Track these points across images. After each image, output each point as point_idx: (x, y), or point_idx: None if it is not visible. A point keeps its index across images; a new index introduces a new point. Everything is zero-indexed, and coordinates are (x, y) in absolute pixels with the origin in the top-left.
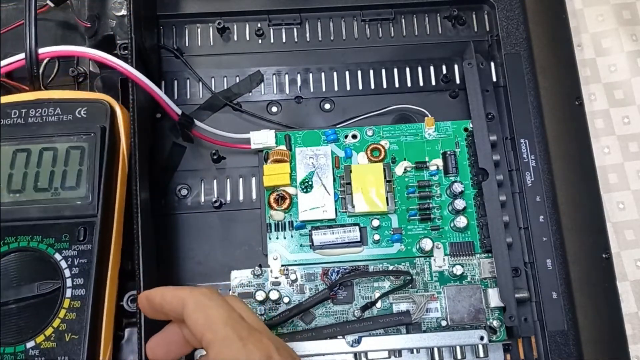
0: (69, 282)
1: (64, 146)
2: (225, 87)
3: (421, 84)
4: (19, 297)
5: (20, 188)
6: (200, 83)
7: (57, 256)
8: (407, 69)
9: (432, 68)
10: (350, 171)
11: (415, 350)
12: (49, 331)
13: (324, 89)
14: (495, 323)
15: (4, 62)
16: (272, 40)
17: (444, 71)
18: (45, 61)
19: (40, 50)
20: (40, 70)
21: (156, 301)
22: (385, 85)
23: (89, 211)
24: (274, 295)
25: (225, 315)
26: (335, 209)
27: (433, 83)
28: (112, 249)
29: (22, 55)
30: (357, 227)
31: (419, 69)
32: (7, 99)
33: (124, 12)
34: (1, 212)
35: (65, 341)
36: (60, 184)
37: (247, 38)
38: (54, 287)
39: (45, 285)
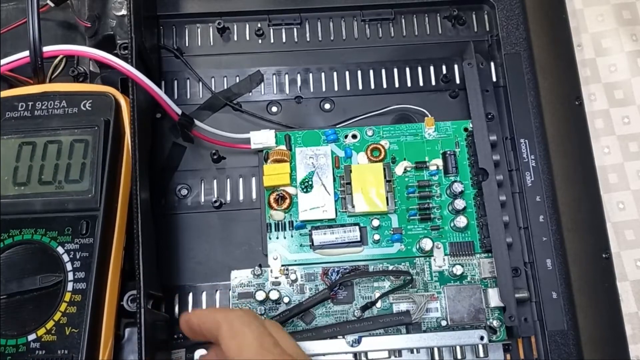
0: (70, 276)
1: (69, 139)
2: (225, 87)
3: (421, 84)
4: (22, 289)
5: (26, 181)
6: (200, 83)
7: (60, 249)
8: (407, 69)
9: (432, 68)
10: (350, 171)
11: (415, 350)
12: (49, 324)
13: (324, 89)
14: (495, 323)
15: (8, 59)
16: (272, 40)
17: (444, 71)
18: (57, 59)
19: (44, 49)
20: (49, 69)
21: (193, 322)
22: (385, 85)
23: (91, 205)
24: (274, 295)
25: (256, 344)
26: (335, 209)
27: (433, 83)
28: (115, 244)
29: (25, 53)
30: (357, 227)
31: (419, 69)
32: (14, 91)
33: (124, 12)
34: (7, 204)
35: (65, 335)
36: (64, 177)
37: (247, 38)
38: (55, 280)
39: (47, 278)
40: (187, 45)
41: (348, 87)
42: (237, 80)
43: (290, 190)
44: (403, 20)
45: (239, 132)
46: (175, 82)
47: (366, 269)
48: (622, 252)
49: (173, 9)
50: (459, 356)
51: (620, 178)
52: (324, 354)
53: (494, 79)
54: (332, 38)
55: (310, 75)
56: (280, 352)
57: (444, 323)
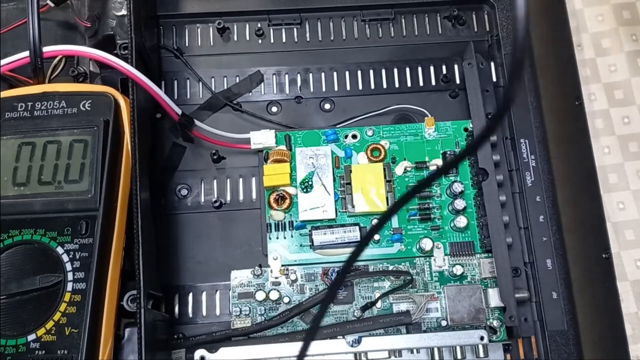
0: (70, 276)
1: (68, 139)
2: (225, 87)
3: (421, 84)
4: (21, 290)
5: (25, 181)
6: (200, 83)
7: (59, 249)
8: (407, 69)
9: (432, 68)
10: (350, 171)
11: (415, 350)
12: (49, 324)
13: (324, 89)
14: (495, 323)
15: (8, 59)
16: (272, 40)
17: (444, 71)
18: (56, 59)
19: (43, 49)
20: (48, 69)
21: None
22: (385, 85)
23: (90, 205)
24: (274, 295)
25: None
26: (335, 209)
27: (433, 83)
28: (114, 244)
29: (25, 53)
30: (357, 227)
31: (419, 69)
32: (14, 92)
33: (124, 12)
34: (7, 204)
35: (65, 335)
36: (63, 177)
37: (247, 38)
38: (55, 280)
39: (46, 279)
40: (187, 45)
41: (348, 87)
42: (237, 80)
43: (290, 190)
44: (403, 20)
45: (239, 132)
46: (175, 82)
47: (366, 269)
48: (622, 252)
49: (173, 9)
50: (459, 356)
51: (620, 178)
52: (324, 354)
53: (494, 79)
54: (332, 38)
55: (310, 75)
56: None
57: (444, 323)
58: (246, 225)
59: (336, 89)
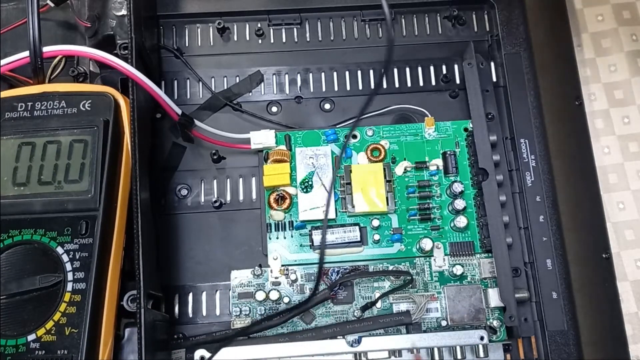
0: (70, 276)
1: (68, 139)
2: (225, 87)
3: (421, 84)
4: (21, 289)
5: (25, 181)
6: (200, 83)
7: (59, 250)
8: (407, 69)
9: (432, 68)
10: (350, 171)
11: (415, 350)
12: (49, 324)
13: (324, 89)
14: (495, 323)
15: (8, 59)
16: (272, 40)
17: (444, 71)
18: (56, 59)
19: (43, 49)
20: (48, 69)
21: None
22: (385, 85)
23: (90, 205)
24: (274, 295)
25: None
26: (335, 209)
27: (433, 83)
28: (114, 244)
29: (25, 53)
30: (357, 227)
31: (419, 69)
32: (14, 92)
33: (124, 12)
34: (7, 204)
35: (65, 335)
36: (63, 177)
37: (247, 38)
38: (55, 280)
39: (46, 279)
40: (187, 45)
41: (348, 87)
42: (237, 80)
43: (290, 190)
44: (403, 21)
45: (239, 132)
46: (175, 82)
47: (366, 269)
48: (622, 252)
49: (173, 9)
50: (459, 356)
51: (620, 178)
52: (323, 354)
53: (494, 79)
54: (332, 38)
55: (310, 75)
56: None
57: (444, 323)
58: (246, 225)
59: (336, 89)
